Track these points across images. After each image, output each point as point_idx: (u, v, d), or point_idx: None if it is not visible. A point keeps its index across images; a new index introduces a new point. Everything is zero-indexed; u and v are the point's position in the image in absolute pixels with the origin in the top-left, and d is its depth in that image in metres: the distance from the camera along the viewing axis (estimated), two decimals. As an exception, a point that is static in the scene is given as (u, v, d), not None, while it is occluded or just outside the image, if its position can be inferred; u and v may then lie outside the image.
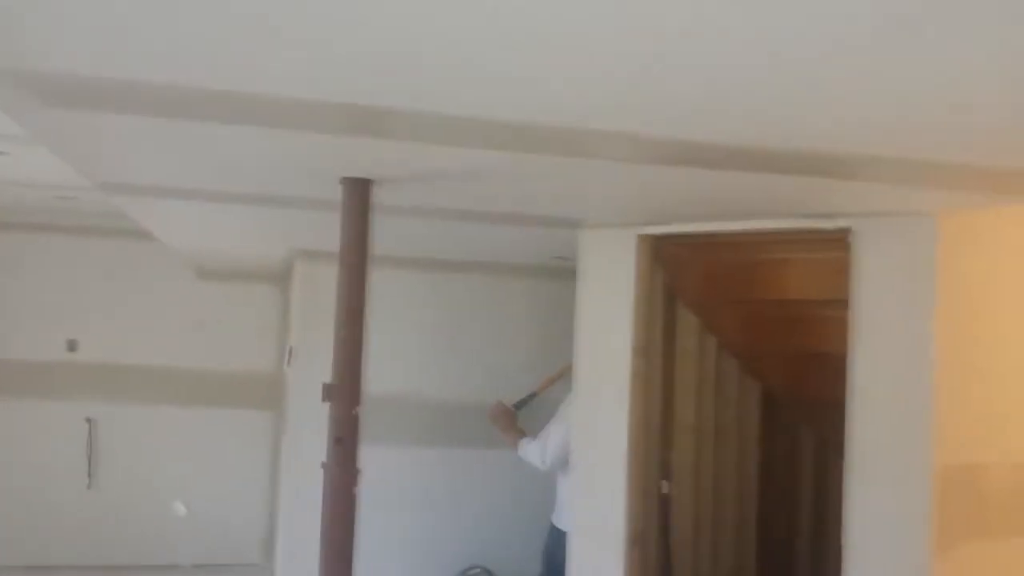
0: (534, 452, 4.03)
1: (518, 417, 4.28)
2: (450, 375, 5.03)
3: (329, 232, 3.78)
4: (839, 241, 3.26)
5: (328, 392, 4.72)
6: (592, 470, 3.47)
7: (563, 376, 4.36)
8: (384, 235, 4.13)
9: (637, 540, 3.34)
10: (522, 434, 4.15)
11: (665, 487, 3.46)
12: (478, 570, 4.95)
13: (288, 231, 4.15)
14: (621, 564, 3.30)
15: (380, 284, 4.73)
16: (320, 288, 4.77)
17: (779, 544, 4.31)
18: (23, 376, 6.36)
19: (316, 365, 4.75)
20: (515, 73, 1.67)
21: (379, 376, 4.65)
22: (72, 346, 6.45)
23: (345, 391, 2.58)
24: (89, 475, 6.42)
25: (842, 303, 3.55)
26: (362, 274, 2.61)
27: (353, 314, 2.60)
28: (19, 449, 6.34)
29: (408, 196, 2.94)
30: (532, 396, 4.31)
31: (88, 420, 6.43)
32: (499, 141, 2.18)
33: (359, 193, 2.61)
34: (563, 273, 4.97)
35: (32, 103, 1.85)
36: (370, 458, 4.49)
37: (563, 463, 3.93)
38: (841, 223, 2.96)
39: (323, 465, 2.67)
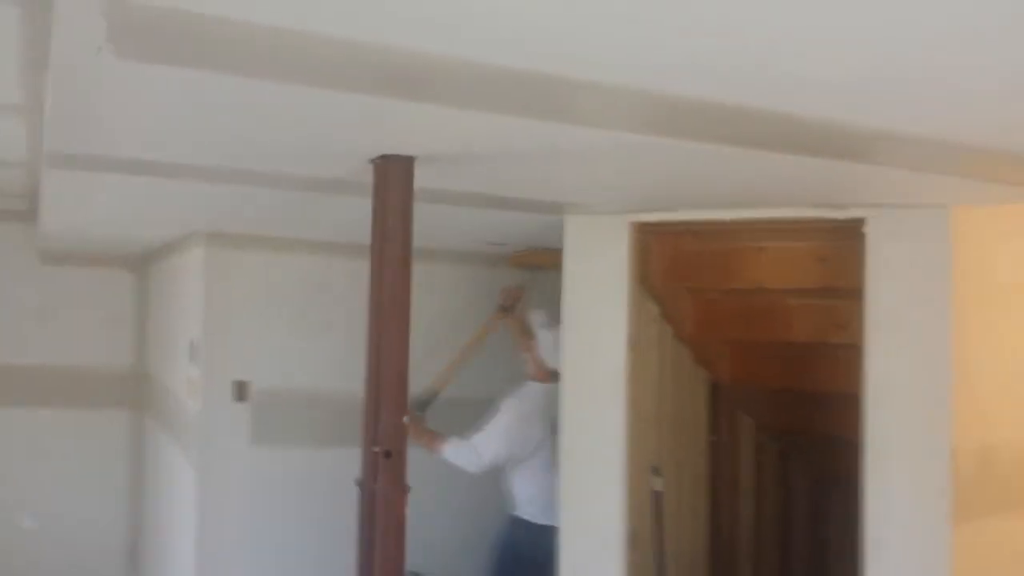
0: (465, 454, 3.84)
1: (424, 418, 4.03)
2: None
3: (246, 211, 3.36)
4: (820, 231, 3.29)
5: (241, 391, 4.39)
6: (584, 467, 3.31)
7: (461, 365, 4.22)
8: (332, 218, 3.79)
9: (634, 538, 3.22)
10: (439, 436, 3.92)
11: (657, 484, 3.36)
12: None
13: (209, 209, 3.68)
14: (618, 563, 3.18)
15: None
16: (230, 275, 4.33)
17: (723, 533, 4.35)
18: None
19: (225, 361, 4.37)
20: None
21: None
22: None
23: (391, 398, 2.27)
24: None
25: (813, 292, 3.62)
26: (406, 267, 2.31)
27: (397, 313, 2.29)
28: None
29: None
30: (434, 394, 4.07)
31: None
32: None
33: (399, 172, 2.30)
34: (496, 260, 4.79)
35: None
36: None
37: (515, 460, 3.83)
38: (854, 213, 2.96)
39: (359, 482, 2.35)
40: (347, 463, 4.36)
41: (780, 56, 1.61)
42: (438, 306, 4.34)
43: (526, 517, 3.89)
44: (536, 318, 3.97)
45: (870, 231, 2.94)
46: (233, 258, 4.31)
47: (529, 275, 4.26)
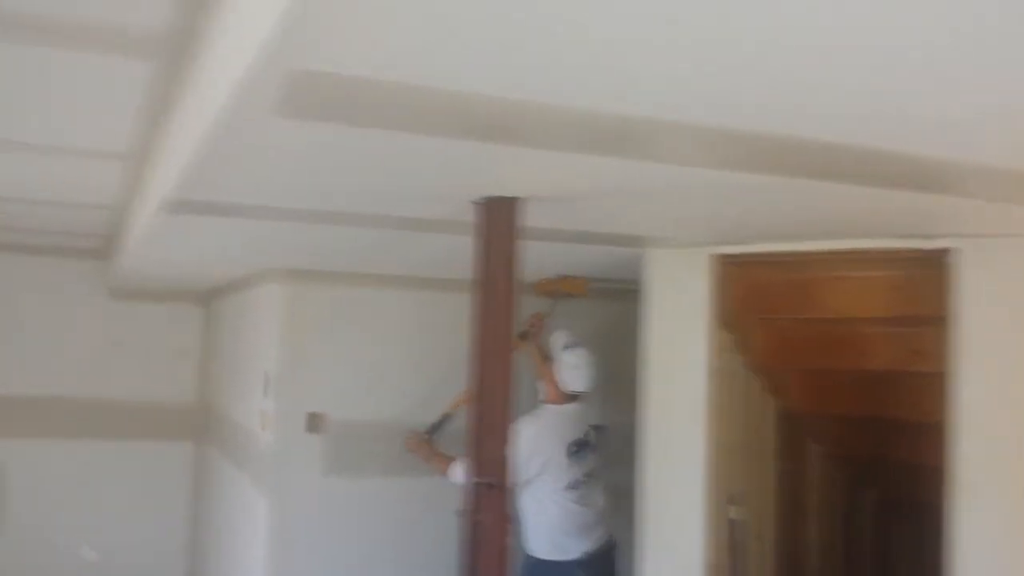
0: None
1: (436, 441, 4.10)
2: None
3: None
4: (899, 260, 3.33)
5: (313, 422, 4.48)
6: (665, 496, 3.35)
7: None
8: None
9: (713, 568, 3.25)
10: (449, 458, 3.95)
11: (735, 512, 3.39)
12: None
13: (296, 248, 3.78)
14: (701, 594, 3.22)
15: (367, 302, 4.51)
16: (304, 309, 4.43)
17: (792, 561, 4.35)
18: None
19: (298, 393, 4.47)
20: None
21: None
22: (-32, 377, 5.69)
23: (496, 430, 2.34)
24: (-4, 521, 5.68)
25: (890, 320, 3.65)
26: (510, 305, 2.39)
27: (500, 349, 2.37)
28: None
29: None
30: (446, 418, 4.12)
31: (-10, 459, 5.70)
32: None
33: (503, 213, 2.39)
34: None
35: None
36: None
37: (524, 483, 3.78)
38: (940, 243, 2.99)
39: (459, 513, 2.42)
40: (417, 493, 4.51)
41: (874, 96, 1.68)
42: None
43: (536, 554, 3.85)
44: (558, 340, 4.00)
45: (958, 260, 2.97)
46: (307, 292, 4.42)
47: (551, 303, 4.28)
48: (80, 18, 1.87)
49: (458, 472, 3.78)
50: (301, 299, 4.40)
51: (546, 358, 4.05)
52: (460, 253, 2.82)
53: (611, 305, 4.95)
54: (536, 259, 3.92)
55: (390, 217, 2.80)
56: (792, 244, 3.19)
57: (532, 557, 3.85)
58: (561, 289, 4.28)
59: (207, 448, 6.14)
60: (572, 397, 3.95)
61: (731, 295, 3.67)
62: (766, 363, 4.02)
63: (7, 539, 5.72)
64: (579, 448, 3.92)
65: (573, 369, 3.90)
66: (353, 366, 4.53)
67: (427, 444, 4.05)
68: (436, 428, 4.09)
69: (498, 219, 2.39)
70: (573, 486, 3.86)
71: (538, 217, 2.80)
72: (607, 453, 4.10)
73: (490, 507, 2.33)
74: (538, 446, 3.77)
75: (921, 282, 3.17)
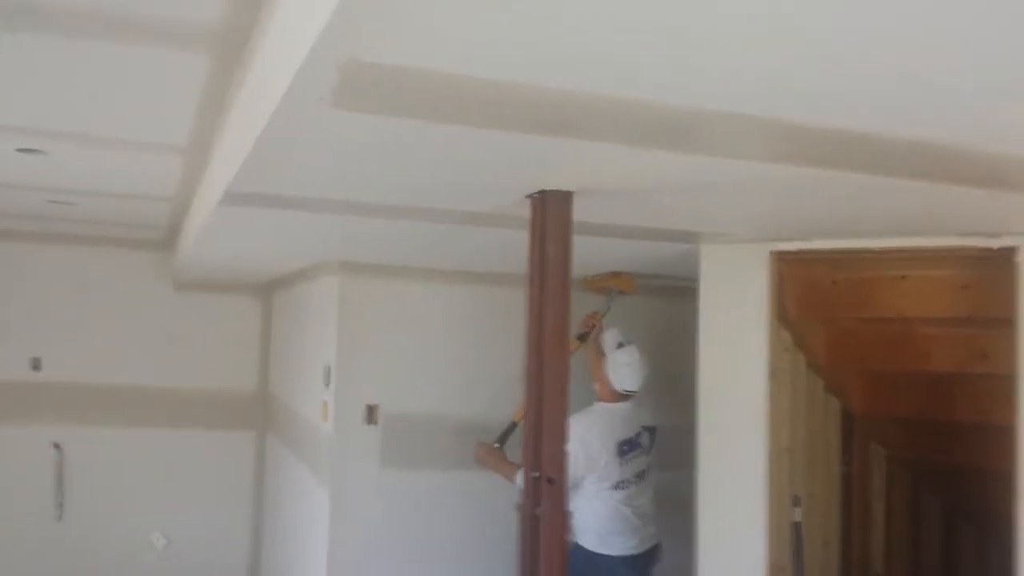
0: None
1: (504, 450, 4.05)
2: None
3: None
4: (963, 259, 3.23)
5: (371, 414, 4.52)
6: (724, 498, 3.30)
7: None
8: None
9: (777, 571, 3.19)
10: (518, 467, 3.82)
11: (798, 514, 3.33)
12: None
13: (352, 241, 3.81)
14: (759, 597, 3.16)
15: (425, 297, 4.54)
16: (362, 302, 4.47)
17: (855, 563, 4.26)
18: (-19, 398, 5.73)
19: (357, 385, 4.51)
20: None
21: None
22: (36, 365, 5.85)
23: (552, 426, 2.33)
24: (58, 506, 5.83)
25: (954, 321, 3.54)
26: (565, 299, 2.37)
27: (557, 343, 2.35)
28: (-22, 478, 5.71)
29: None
30: (513, 426, 4.06)
31: (55, 445, 5.86)
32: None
33: (558, 207, 2.37)
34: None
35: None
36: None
37: (578, 481, 3.73)
38: (1007, 241, 2.90)
39: (518, 507, 2.41)
40: (475, 487, 4.52)
41: (944, 91, 1.62)
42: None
43: (586, 545, 3.85)
44: (610, 338, 3.96)
45: (1024, 259, 2.87)
46: (365, 286, 4.45)
47: (607, 301, 4.23)
48: (141, 13, 1.89)
49: (520, 478, 3.78)
50: (358, 292, 4.43)
51: (600, 357, 4.02)
52: (514, 247, 2.80)
53: (664, 302, 4.90)
54: (589, 254, 3.91)
55: (444, 211, 2.80)
56: (853, 241, 3.12)
57: (582, 548, 3.84)
58: (611, 286, 4.24)
59: (269, 437, 6.24)
60: (624, 396, 3.92)
61: (790, 293, 3.60)
62: (827, 363, 3.94)
63: (72, 525, 5.88)
64: (629, 448, 3.89)
65: (624, 367, 3.87)
66: (408, 360, 4.55)
67: (497, 453, 4.02)
68: (505, 437, 4.07)
69: (553, 213, 2.37)
70: (621, 486, 3.85)
71: (592, 212, 2.78)
72: (658, 455, 4.07)
73: (550, 502, 2.32)
74: (586, 443, 3.74)
75: (987, 282, 3.07)
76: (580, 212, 2.54)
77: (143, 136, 3.01)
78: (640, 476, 3.92)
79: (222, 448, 6.24)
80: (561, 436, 2.35)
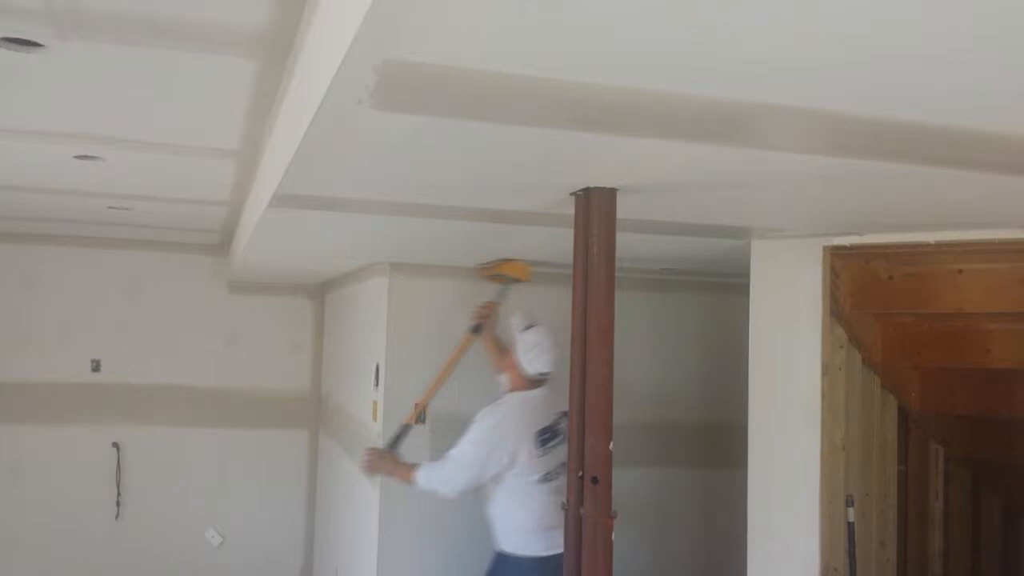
0: (437, 476, 3.61)
1: (398, 454, 3.88)
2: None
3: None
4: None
5: (421, 414, 4.54)
6: (776, 498, 3.25)
7: (434, 394, 4.07)
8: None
9: (831, 572, 3.14)
10: (413, 467, 3.73)
11: (852, 515, 3.26)
12: None
13: (398, 241, 3.83)
14: (813, 597, 3.11)
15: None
16: (411, 302, 4.49)
17: (913, 564, 4.17)
18: (45, 399, 5.89)
19: (406, 384, 4.53)
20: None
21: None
22: (96, 366, 6.00)
23: (599, 423, 2.31)
24: (117, 504, 5.97)
25: (1015, 316, 3.44)
26: (610, 296, 2.36)
27: (601, 341, 2.34)
28: (42, 477, 5.87)
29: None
30: (405, 428, 3.96)
31: (114, 445, 6.00)
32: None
33: (602, 204, 2.35)
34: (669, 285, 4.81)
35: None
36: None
37: (495, 479, 3.59)
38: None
39: (563, 506, 2.40)
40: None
41: (1004, 75, 1.57)
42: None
43: (511, 551, 3.62)
44: (516, 322, 3.76)
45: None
46: (414, 286, 4.47)
47: (501, 289, 4.10)
48: (189, 19, 1.93)
49: (422, 477, 3.63)
50: (407, 293, 4.46)
51: (502, 349, 3.86)
52: (559, 245, 2.80)
53: (713, 299, 4.85)
54: (635, 251, 3.89)
55: (488, 210, 2.80)
56: (910, 235, 3.05)
57: (508, 556, 3.62)
58: (503, 273, 4.07)
59: (321, 436, 6.31)
60: (537, 382, 3.67)
61: (844, 289, 3.53)
62: (883, 360, 3.85)
63: (130, 523, 6.01)
64: (550, 436, 3.64)
65: (534, 348, 3.61)
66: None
67: (391, 457, 3.83)
68: (398, 441, 3.91)
69: (597, 210, 2.36)
70: (549, 477, 3.60)
71: (638, 208, 2.76)
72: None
73: (594, 502, 2.30)
74: (502, 437, 3.54)
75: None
76: (625, 209, 2.53)
77: (196, 141, 3.07)
78: (566, 465, 3.70)
79: (276, 447, 6.33)
80: (607, 434, 2.33)
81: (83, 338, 5.97)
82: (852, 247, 3.16)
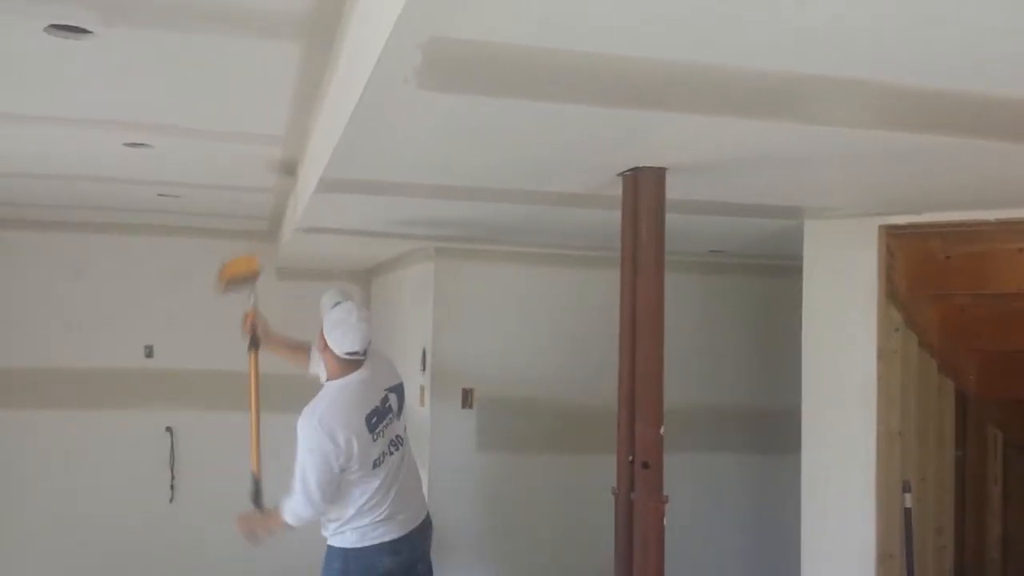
0: (294, 507, 3.31)
1: (263, 509, 3.66)
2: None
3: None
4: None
5: (467, 398, 4.55)
6: (830, 484, 3.19)
7: (259, 441, 3.88)
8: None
9: (887, 558, 3.07)
10: (277, 513, 3.44)
11: (908, 501, 3.19)
12: None
13: (443, 225, 3.82)
14: (869, 585, 3.05)
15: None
16: (457, 287, 4.49)
17: (970, 551, 4.08)
18: (99, 385, 5.99)
19: (453, 369, 4.54)
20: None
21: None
22: (149, 352, 6.08)
23: (650, 408, 2.28)
24: (171, 488, 6.06)
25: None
26: (659, 278, 2.31)
27: (651, 323, 2.30)
28: (97, 462, 5.97)
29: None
30: (257, 483, 3.73)
31: (168, 429, 6.08)
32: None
33: (650, 184, 2.31)
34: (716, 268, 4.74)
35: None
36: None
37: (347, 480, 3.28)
38: None
39: (614, 491, 2.37)
40: (571, 471, 4.50)
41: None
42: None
43: (342, 545, 3.35)
44: (326, 300, 3.54)
45: None
46: (459, 271, 4.47)
47: (248, 293, 3.91)
48: (234, 4, 1.91)
49: (288, 514, 3.36)
50: (453, 278, 4.45)
51: (299, 344, 3.78)
52: (608, 228, 2.75)
53: (764, 282, 4.77)
54: (684, 233, 3.82)
55: (535, 192, 2.77)
56: (969, 213, 2.96)
57: (339, 550, 3.39)
58: (235, 276, 3.86)
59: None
60: (352, 364, 3.33)
61: (901, 270, 3.45)
62: (941, 343, 3.76)
63: (183, 506, 6.10)
64: (379, 419, 3.34)
65: (340, 326, 3.29)
66: (503, 344, 4.56)
67: (260, 516, 3.60)
68: (258, 496, 3.70)
69: (645, 191, 2.31)
70: (379, 462, 3.31)
71: (687, 189, 2.70)
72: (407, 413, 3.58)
73: (645, 487, 2.27)
74: (331, 433, 3.21)
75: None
76: (674, 189, 2.49)
77: (243, 127, 3.07)
78: (396, 444, 3.40)
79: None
80: (656, 419, 2.29)
81: (135, 325, 6.04)
82: (908, 226, 3.08)
